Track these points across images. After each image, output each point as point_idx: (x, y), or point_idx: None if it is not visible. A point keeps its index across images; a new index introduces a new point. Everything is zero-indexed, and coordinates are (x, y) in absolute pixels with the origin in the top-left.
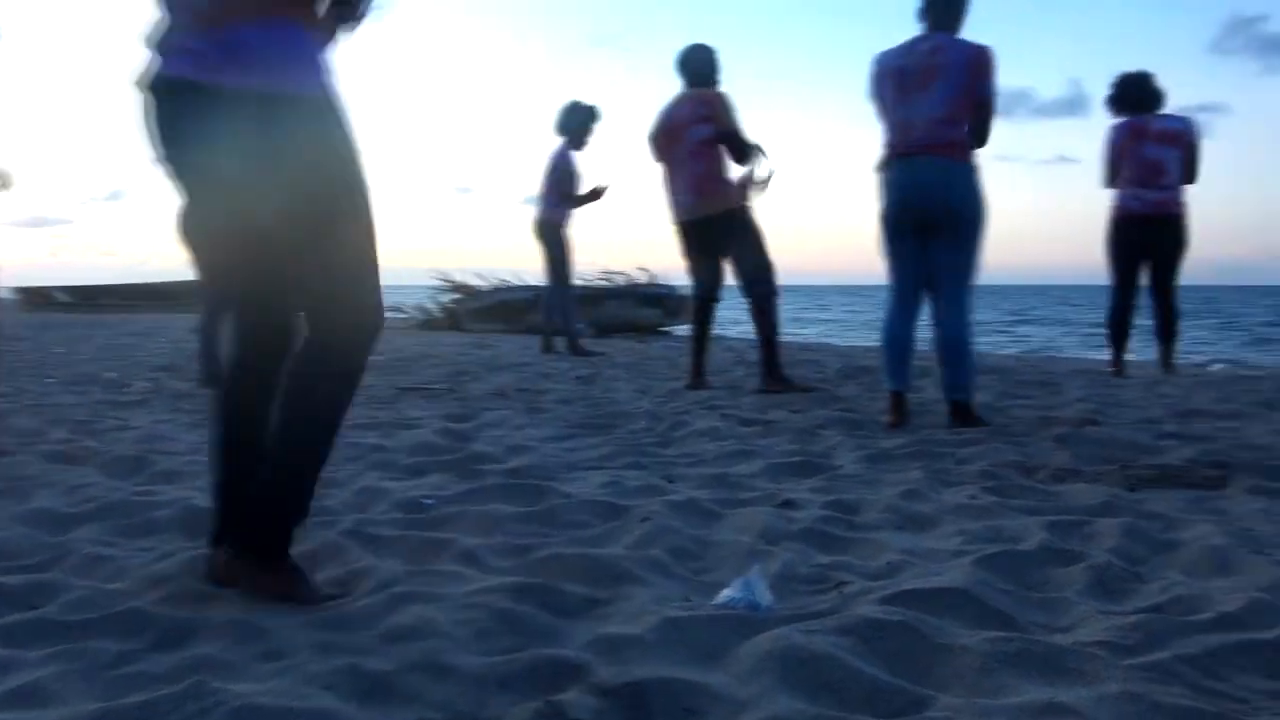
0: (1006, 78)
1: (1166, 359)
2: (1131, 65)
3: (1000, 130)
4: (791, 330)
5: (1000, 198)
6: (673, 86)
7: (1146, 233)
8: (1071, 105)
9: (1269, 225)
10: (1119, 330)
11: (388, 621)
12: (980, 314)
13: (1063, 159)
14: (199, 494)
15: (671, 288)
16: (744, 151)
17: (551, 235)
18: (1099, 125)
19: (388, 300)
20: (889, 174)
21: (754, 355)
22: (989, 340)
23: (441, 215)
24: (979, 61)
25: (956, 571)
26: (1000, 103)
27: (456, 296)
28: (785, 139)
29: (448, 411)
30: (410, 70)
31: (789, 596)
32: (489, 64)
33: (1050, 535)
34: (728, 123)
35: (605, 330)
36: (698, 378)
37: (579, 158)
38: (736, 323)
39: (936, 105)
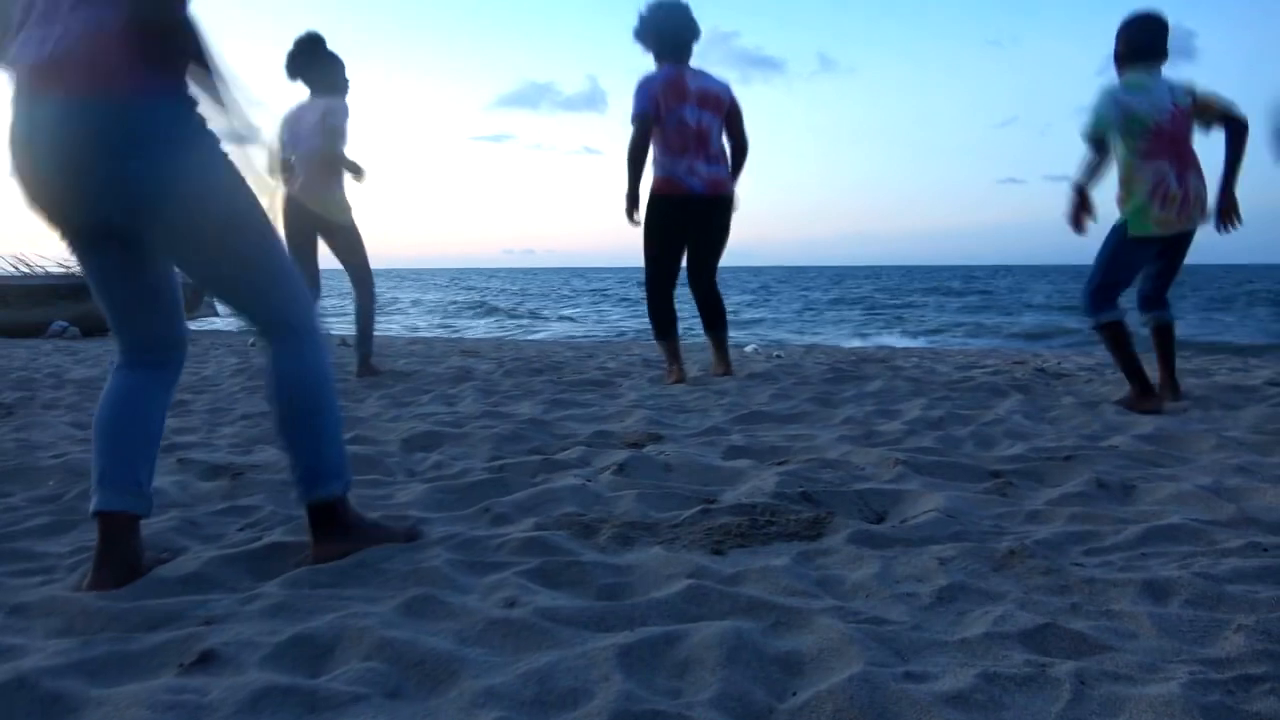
0: (533, 72)
1: (724, 355)
2: (639, 69)
3: (530, 121)
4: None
5: (535, 184)
6: None
7: (693, 214)
8: (591, 100)
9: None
10: (668, 322)
11: None
12: (546, 301)
13: (588, 150)
14: None
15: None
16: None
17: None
18: (616, 120)
19: None
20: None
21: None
22: (538, 332)
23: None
24: None
25: None
26: (526, 94)
27: None
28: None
29: None
30: None
31: None
32: None
33: (628, 681)
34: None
35: (96, 329)
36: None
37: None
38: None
39: None
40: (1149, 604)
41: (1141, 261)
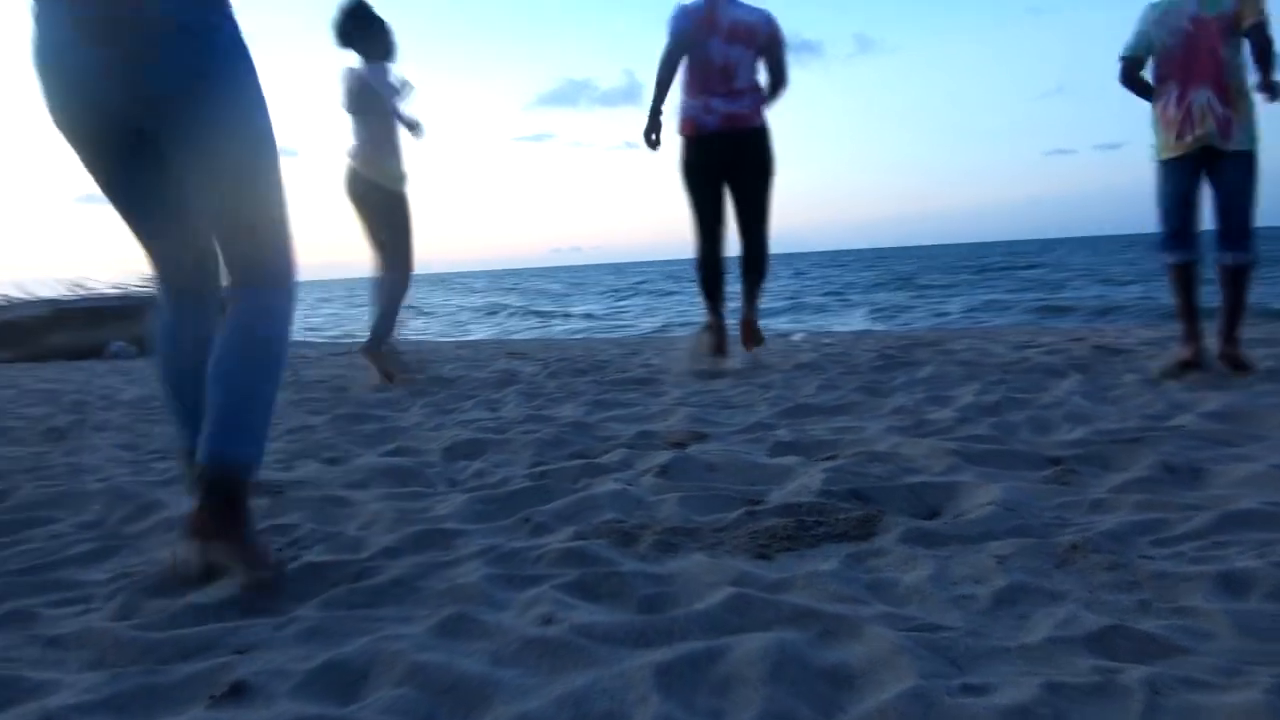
0: (570, 69)
1: (752, 309)
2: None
3: (570, 119)
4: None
5: (578, 182)
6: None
7: (717, 154)
8: (629, 94)
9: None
10: (711, 278)
11: None
12: (582, 299)
13: (628, 145)
14: None
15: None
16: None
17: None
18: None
19: None
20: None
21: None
22: (581, 327)
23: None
24: None
25: None
26: (565, 92)
27: None
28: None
29: None
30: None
31: None
32: None
33: (666, 702)
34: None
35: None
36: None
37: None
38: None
39: None
40: (1225, 599)
41: (1178, 188)
